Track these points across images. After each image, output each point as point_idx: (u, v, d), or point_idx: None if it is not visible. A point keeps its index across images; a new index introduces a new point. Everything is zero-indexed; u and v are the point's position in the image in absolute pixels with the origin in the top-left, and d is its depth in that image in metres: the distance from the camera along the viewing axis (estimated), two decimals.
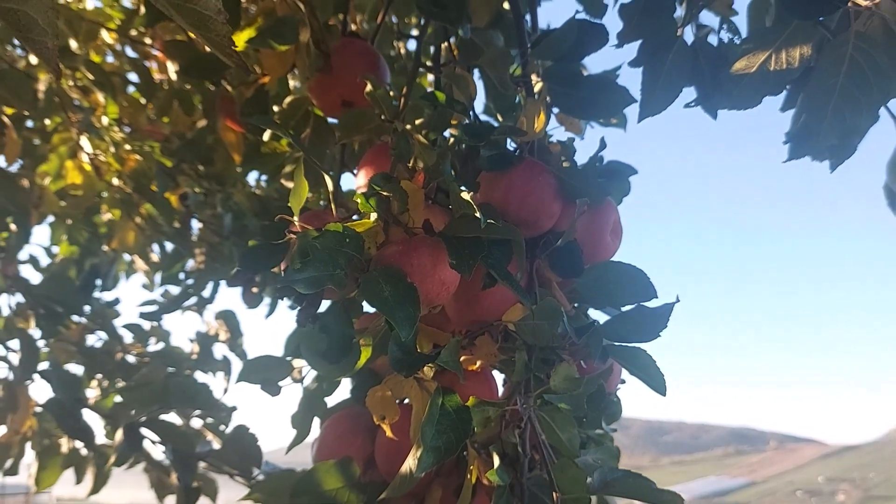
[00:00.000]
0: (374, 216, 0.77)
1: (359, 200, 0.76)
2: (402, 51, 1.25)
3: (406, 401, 0.82)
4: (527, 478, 0.77)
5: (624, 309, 0.82)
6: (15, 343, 1.20)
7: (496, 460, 0.74)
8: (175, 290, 1.74)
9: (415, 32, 1.26)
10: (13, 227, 1.22)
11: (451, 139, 0.93)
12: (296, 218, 0.76)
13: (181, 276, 1.67)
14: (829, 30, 0.75)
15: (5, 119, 1.16)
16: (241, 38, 0.93)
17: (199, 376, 1.69)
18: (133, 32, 1.53)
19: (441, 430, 0.71)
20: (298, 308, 0.75)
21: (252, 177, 1.74)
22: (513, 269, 0.83)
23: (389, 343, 0.72)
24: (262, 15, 0.96)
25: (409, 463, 0.75)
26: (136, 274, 1.88)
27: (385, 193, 0.76)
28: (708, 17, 0.85)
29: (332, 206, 0.80)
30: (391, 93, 1.01)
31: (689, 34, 0.84)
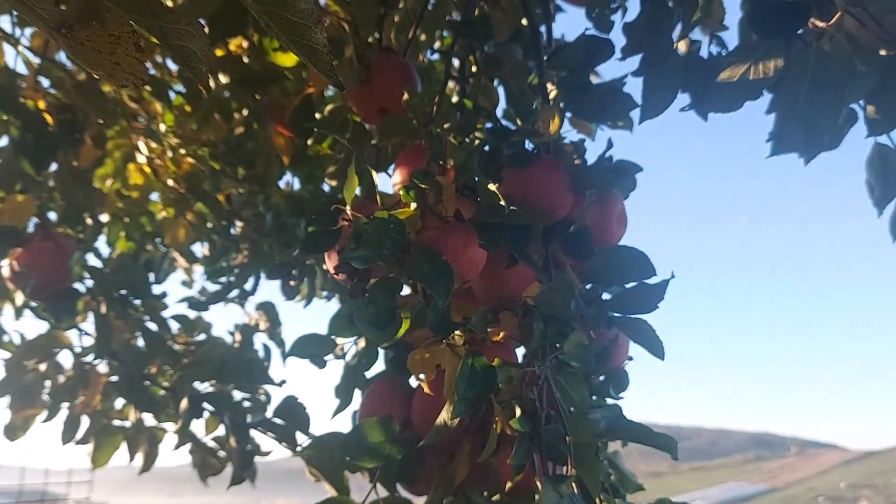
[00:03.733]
0: (413, 206, 0.90)
1: (401, 192, 0.90)
2: (425, 61, 1.39)
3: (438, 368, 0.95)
4: (543, 429, 0.90)
5: (628, 286, 0.95)
6: (86, 326, 1.35)
7: (518, 412, 0.87)
8: (214, 286, 1.89)
9: (437, 45, 1.41)
10: (89, 221, 1.37)
11: (477, 141, 1.06)
12: (348, 207, 0.89)
13: (225, 270, 1.81)
14: (806, 43, 0.88)
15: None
16: (291, 57, 1.07)
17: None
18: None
19: (471, 384, 0.85)
20: (351, 283, 0.89)
21: (285, 179, 1.88)
22: (532, 252, 0.97)
23: (428, 311, 0.86)
24: None
25: (444, 415, 0.89)
26: (177, 271, 2.03)
27: (423, 186, 0.89)
28: (699, 34, 0.98)
29: (378, 198, 0.94)
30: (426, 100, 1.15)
31: (683, 48, 0.97)
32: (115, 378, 1.30)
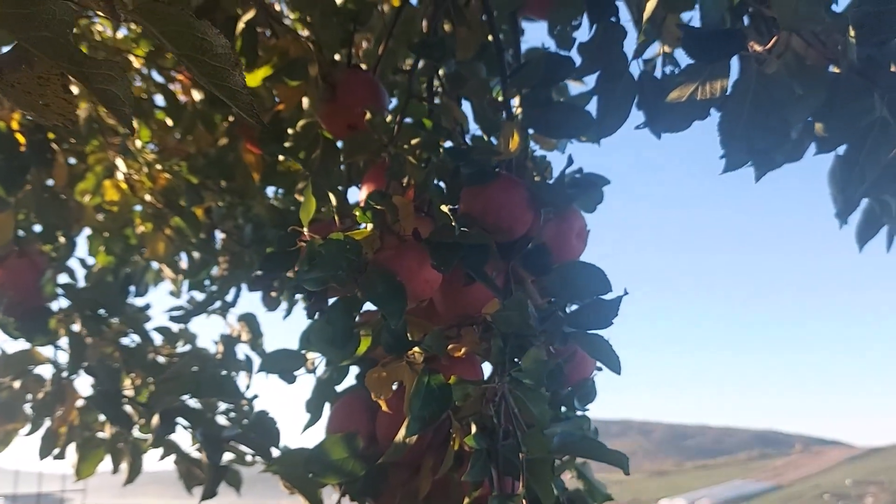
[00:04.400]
0: (370, 227, 0.92)
1: (357, 214, 0.91)
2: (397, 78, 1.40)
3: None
4: (501, 444, 0.91)
5: (585, 301, 0.96)
6: (62, 342, 1.37)
7: (473, 429, 0.88)
8: (201, 295, 1.90)
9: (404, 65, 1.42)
10: (62, 239, 1.39)
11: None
12: (305, 229, 0.91)
13: (206, 282, 1.83)
14: (760, 62, 0.89)
15: (55, 146, 1.32)
16: (258, 76, 1.08)
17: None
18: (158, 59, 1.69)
19: (426, 402, 0.86)
20: (308, 303, 0.90)
21: (270, 190, 1.90)
22: (491, 269, 0.98)
23: (383, 331, 0.87)
24: (277, 55, 1.12)
25: (401, 432, 0.90)
26: (164, 281, 2.05)
27: (379, 207, 0.90)
28: (653, 51, 1.00)
29: (336, 218, 0.95)
30: (389, 118, 1.16)
31: (639, 67, 0.98)
32: (91, 393, 1.31)
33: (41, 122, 0.53)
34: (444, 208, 0.88)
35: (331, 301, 0.96)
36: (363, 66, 1.29)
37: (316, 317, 0.95)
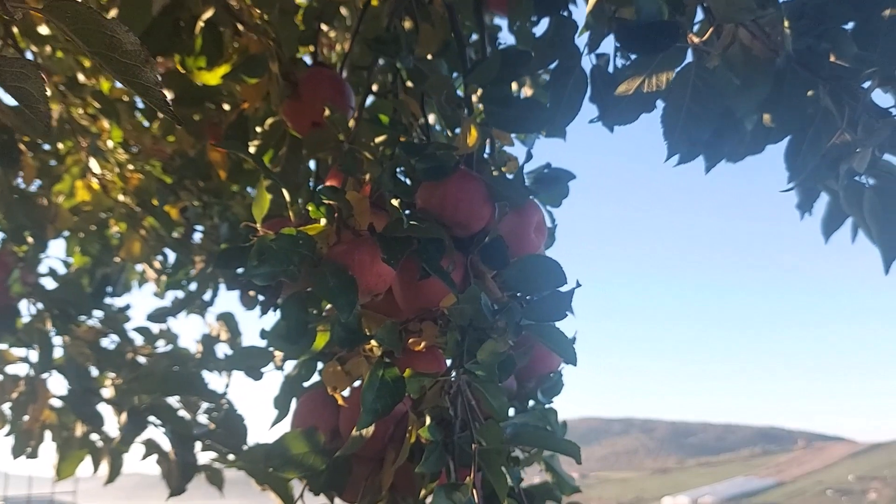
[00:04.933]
0: (323, 221, 0.92)
1: (310, 208, 0.92)
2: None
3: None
4: (457, 436, 0.92)
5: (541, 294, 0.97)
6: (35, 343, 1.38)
7: (428, 421, 0.89)
8: (179, 294, 1.91)
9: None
10: (31, 240, 1.40)
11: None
12: (258, 224, 0.91)
13: (184, 281, 1.83)
14: (700, 54, 0.89)
15: (22, 146, 1.33)
16: (217, 74, 1.09)
17: (205, 374, 1.84)
18: None
19: (379, 395, 0.87)
20: (263, 298, 0.91)
21: (250, 189, 1.90)
22: (448, 262, 0.99)
23: (335, 325, 0.88)
24: (238, 52, 1.12)
25: (356, 425, 0.91)
26: (148, 282, 2.05)
27: (331, 202, 0.91)
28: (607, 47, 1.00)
29: (290, 214, 0.96)
30: (354, 116, 1.17)
31: (593, 62, 0.99)
32: (63, 393, 1.32)
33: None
34: (395, 202, 0.89)
35: (284, 297, 0.96)
36: (327, 64, 1.30)
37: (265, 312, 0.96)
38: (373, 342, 0.97)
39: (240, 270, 1.28)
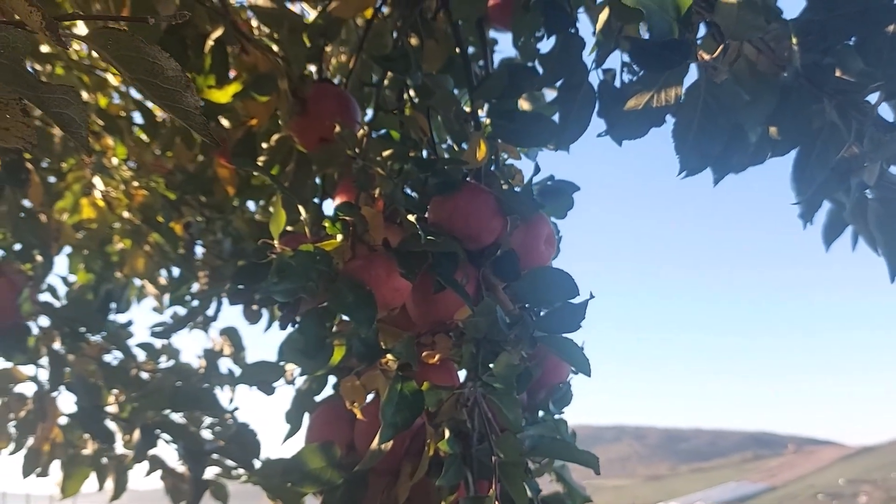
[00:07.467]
0: (339, 237, 0.93)
1: (327, 225, 0.93)
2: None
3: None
4: (475, 448, 0.93)
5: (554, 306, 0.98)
6: (43, 360, 1.38)
7: (447, 434, 0.90)
8: (182, 310, 1.91)
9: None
10: (39, 258, 1.40)
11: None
12: (276, 241, 0.92)
13: (187, 297, 1.84)
14: (709, 70, 0.91)
15: (29, 165, 1.33)
16: (227, 92, 1.10)
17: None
18: None
19: (399, 409, 0.88)
20: (281, 314, 0.92)
21: (251, 204, 1.91)
22: (461, 276, 1.00)
23: (354, 340, 0.89)
24: (246, 70, 1.14)
25: (377, 439, 0.92)
26: (147, 298, 2.05)
27: (347, 218, 0.92)
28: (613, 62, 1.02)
29: (307, 230, 0.97)
30: (361, 130, 1.19)
31: (599, 77, 1.01)
32: (73, 410, 1.32)
33: (2, 145, 0.54)
34: (411, 217, 0.90)
35: (302, 312, 0.97)
36: (334, 80, 1.31)
37: (289, 328, 0.97)
38: (388, 355, 0.98)
39: (241, 287, 1.29)
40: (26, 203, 1.40)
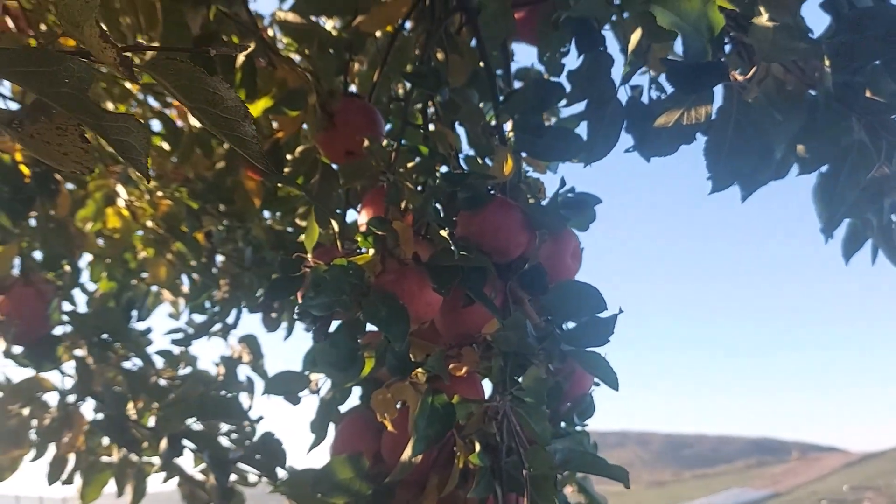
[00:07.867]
0: (371, 251, 0.95)
1: (359, 240, 0.94)
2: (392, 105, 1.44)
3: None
4: (504, 461, 0.94)
5: (581, 320, 1.00)
6: (67, 368, 1.39)
7: (477, 447, 0.91)
8: (202, 318, 1.93)
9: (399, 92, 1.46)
10: (67, 268, 1.42)
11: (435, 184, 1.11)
12: (309, 255, 0.94)
13: (207, 304, 1.86)
14: (741, 89, 0.93)
15: (58, 176, 1.35)
16: (258, 107, 1.12)
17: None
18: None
19: (431, 422, 0.89)
20: (314, 328, 0.93)
21: (267, 213, 1.92)
22: (490, 289, 1.02)
23: (386, 354, 0.90)
24: (276, 85, 1.15)
25: (407, 451, 0.93)
26: (162, 304, 2.07)
27: (380, 233, 0.94)
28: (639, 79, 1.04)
29: (339, 244, 0.98)
30: (385, 143, 1.20)
31: (626, 94, 1.02)
32: (98, 417, 1.34)
33: (60, 169, 0.56)
34: (443, 232, 0.91)
35: (334, 325, 0.99)
36: (359, 94, 1.32)
37: (320, 340, 0.98)
38: (417, 368, 0.99)
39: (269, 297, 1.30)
40: (52, 213, 1.41)
